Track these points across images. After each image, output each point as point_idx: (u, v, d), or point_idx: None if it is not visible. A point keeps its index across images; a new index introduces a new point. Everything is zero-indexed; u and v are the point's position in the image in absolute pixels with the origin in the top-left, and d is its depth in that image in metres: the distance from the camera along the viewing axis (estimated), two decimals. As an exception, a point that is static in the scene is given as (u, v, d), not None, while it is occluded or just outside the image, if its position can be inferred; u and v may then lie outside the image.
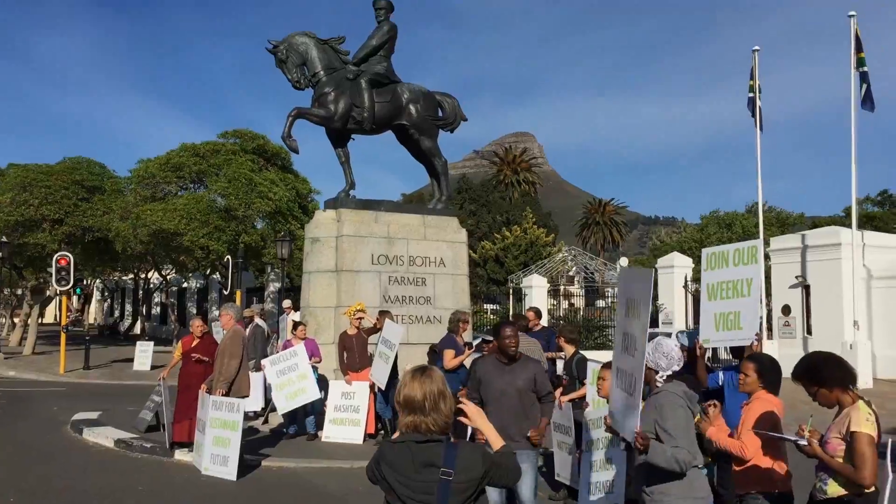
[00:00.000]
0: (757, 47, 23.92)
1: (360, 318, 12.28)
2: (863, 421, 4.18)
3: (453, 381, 9.14)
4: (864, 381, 20.05)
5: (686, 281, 28.44)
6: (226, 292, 27.57)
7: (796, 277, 23.75)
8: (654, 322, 28.84)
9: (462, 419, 3.47)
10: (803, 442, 4.34)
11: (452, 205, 16.71)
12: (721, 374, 6.55)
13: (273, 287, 33.41)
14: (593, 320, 32.07)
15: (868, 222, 40.25)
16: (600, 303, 38.34)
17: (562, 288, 38.95)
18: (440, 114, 14.99)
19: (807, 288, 23.75)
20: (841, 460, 4.22)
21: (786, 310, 24.03)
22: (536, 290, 29.47)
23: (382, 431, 11.99)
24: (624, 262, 47.17)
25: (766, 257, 23.25)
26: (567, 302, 38.40)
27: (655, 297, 29.18)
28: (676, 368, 4.71)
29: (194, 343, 11.23)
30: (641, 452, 4.40)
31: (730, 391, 6.14)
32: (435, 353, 11.01)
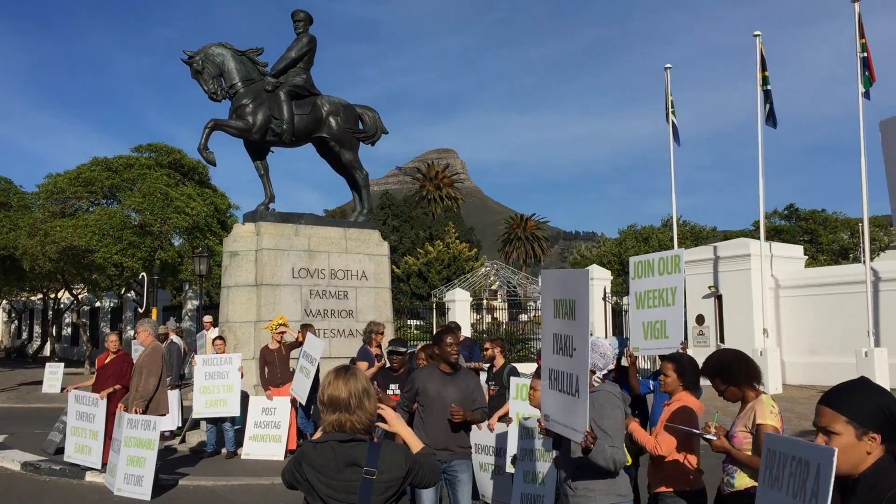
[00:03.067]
0: (669, 65, 24.78)
1: (283, 333, 12.12)
2: (767, 414, 4.35)
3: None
4: (774, 387, 20.83)
5: (605, 293, 29.04)
6: (141, 311, 26.76)
7: (709, 287, 24.54)
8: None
9: (380, 424, 3.47)
10: (711, 437, 4.47)
11: (375, 220, 16.67)
12: (651, 382, 6.71)
13: (191, 305, 32.65)
14: (516, 333, 32.45)
15: (776, 235, 41.88)
16: (523, 316, 38.82)
17: (485, 302, 39.25)
18: (360, 126, 14.96)
19: (719, 298, 24.56)
20: (749, 453, 4.37)
21: (700, 319, 24.79)
22: (459, 305, 29.60)
23: (304, 447, 11.80)
24: (545, 275, 47.83)
25: (681, 268, 23.95)
26: (490, 316, 38.73)
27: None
28: (611, 367, 4.78)
29: (108, 360, 10.86)
30: (587, 451, 4.29)
31: (657, 396, 6.29)
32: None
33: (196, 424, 12.89)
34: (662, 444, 4.85)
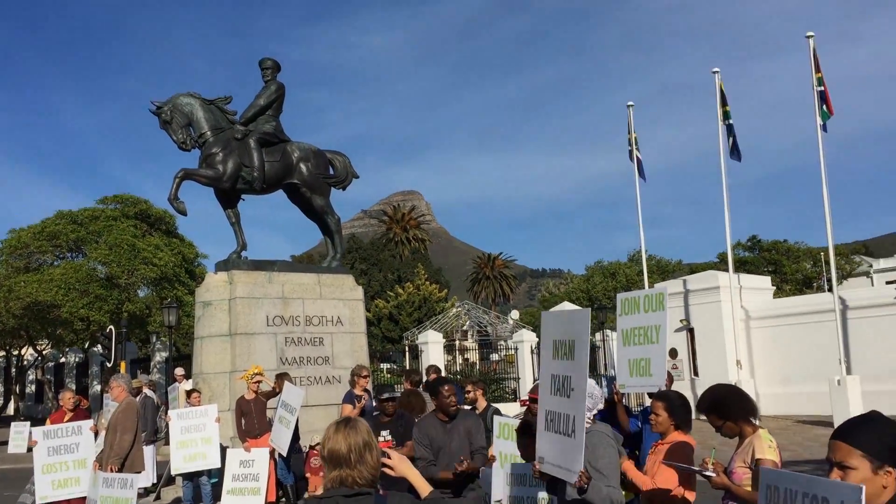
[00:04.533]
0: (631, 102, 25.23)
1: (258, 382, 11.91)
2: (766, 448, 4.34)
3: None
4: (749, 418, 20.94)
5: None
6: (109, 365, 26.24)
7: (680, 321, 24.72)
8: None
9: (385, 470, 3.40)
10: (710, 473, 4.44)
11: (344, 264, 16.43)
12: (639, 420, 6.67)
13: (160, 357, 32.07)
14: (489, 373, 32.32)
15: (741, 266, 42.44)
16: (494, 356, 38.69)
17: (457, 343, 39.13)
18: (331, 171, 14.95)
19: (691, 331, 24.74)
20: (749, 489, 4.35)
21: (673, 353, 24.90)
22: (432, 346, 29.44)
23: (284, 499, 11.56)
24: (515, 314, 47.94)
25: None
26: (462, 356, 38.60)
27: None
28: (601, 407, 4.77)
29: (66, 418, 10.61)
30: (582, 492, 4.30)
31: (647, 434, 6.25)
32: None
33: (171, 480, 12.57)
34: (661, 480, 4.81)
